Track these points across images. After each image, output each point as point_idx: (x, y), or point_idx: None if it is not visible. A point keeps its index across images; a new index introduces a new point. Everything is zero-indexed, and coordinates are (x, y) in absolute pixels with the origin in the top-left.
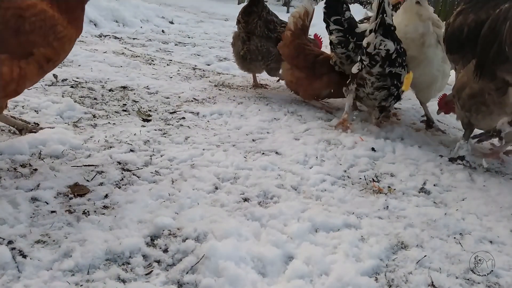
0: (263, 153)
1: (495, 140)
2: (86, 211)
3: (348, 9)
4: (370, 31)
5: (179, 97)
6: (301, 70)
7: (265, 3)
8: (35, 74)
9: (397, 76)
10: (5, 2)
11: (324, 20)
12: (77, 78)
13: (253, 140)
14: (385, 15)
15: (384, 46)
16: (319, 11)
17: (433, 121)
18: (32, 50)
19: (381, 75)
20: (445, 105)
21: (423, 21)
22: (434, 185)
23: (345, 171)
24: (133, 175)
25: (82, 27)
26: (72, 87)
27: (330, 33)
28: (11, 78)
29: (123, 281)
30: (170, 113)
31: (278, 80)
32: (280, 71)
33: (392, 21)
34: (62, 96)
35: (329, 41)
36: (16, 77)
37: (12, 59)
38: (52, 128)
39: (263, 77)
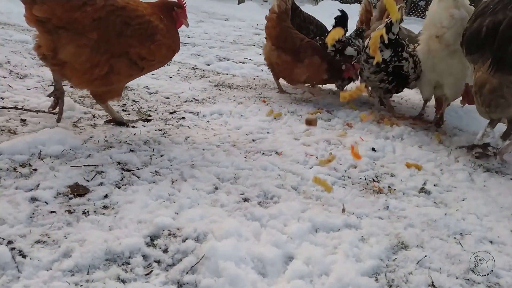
0: (263, 153)
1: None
2: (86, 211)
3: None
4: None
5: (179, 97)
6: (287, 53)
7: (298, 11)
8: (126, 68)
9: (395, 68)
10: (119, 10)
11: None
12: None
13: (253, 140)
14: (389, 34)
15: (381, 54)
16: (317, 10)
17: (443, 122)
18: (128, 50)
19: (377, 66)
20: (467, 95)
21: (458, 8)
22: (434, 185)
23: (345, 171)
24: (133, 175)
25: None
26: (72, 87)
27: None
28: (99, 75)
29: (123, 281)
30: (170, 113)
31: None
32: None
33: (397, 32)
34: None
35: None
36: (103, 74)
37: (105, 62)
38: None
39: (263, 76)
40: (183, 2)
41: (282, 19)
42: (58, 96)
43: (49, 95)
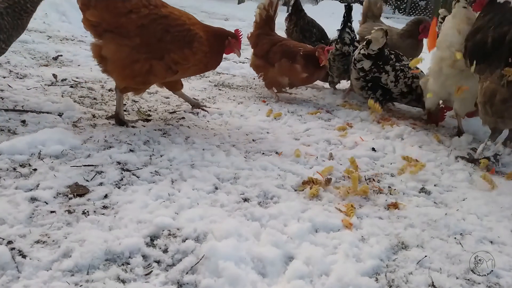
0: (263, 153)
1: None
2: (85, 211)
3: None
4: (359, 50)
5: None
6: (259, 58)
7: (303, 14)
8: (163, 71)
9: (373, 78)
10: (161, 19)
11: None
12: (77, 78)
13: (253, 140)
14: (368, 49)
15: (360, 64)
16: (317, 10)
17: (463, 132)
18: (165, 55)
19: (358, 73)
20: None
21: (470, 25)
22: (435, 185)
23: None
24: (133, 175)
25: (217, 64)
26: (71, 87)
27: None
28: (140, 71)
29: (123, 281)
30: (170, 113)
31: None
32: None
33: (376, 49)
34: (62, 96)
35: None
36: (144, 71)
37: (145, 60)
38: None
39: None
40: (240, 34)
41: (259, 26)
42: (197, 107)
43: (193, 110)
